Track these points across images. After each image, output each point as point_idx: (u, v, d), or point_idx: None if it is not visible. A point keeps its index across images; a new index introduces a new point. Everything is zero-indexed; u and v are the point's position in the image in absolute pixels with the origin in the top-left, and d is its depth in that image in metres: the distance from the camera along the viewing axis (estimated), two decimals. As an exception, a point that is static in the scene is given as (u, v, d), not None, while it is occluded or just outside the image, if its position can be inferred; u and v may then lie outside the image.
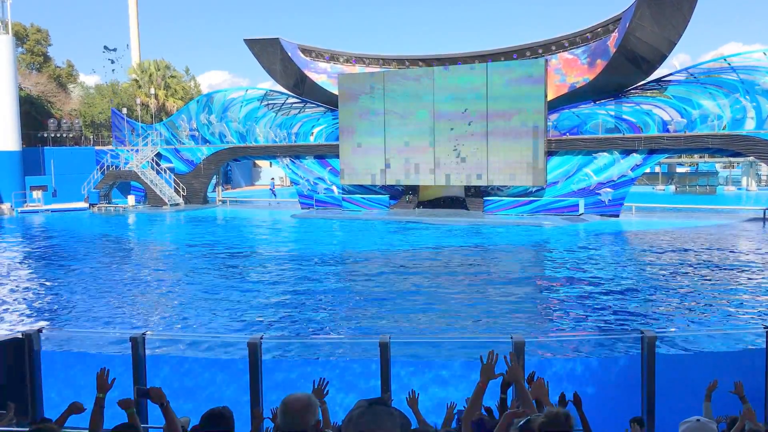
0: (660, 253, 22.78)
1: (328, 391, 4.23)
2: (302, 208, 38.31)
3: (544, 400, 3.82)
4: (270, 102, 40.11)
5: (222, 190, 48.55)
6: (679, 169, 56.44)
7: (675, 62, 45.79)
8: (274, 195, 48.21)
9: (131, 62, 66.99)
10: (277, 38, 36.76)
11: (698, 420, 3.14)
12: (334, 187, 38.22)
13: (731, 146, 29.48)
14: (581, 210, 31.64)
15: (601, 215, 31.65)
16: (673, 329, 13.13)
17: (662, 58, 30.45)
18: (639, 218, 32.00)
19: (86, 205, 41.88)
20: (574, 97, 32.12)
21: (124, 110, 48.63)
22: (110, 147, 46.59)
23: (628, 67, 30.16)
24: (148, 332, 6.02)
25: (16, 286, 18.76)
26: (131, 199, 42.70)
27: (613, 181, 31.62)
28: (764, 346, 5.90)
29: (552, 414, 2.65)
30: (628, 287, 17.11)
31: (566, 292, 16.94)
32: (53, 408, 5.61)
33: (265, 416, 4.60)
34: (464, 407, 4.08)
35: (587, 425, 4.16)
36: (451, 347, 10.38)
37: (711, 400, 4.83)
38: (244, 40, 37.54)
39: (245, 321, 14.39)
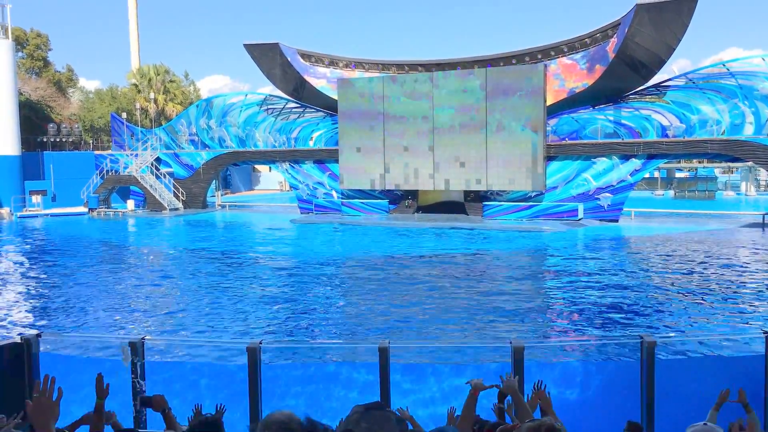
0: (659, 258, 22.78)
1: None
2: (301, 213, 38.30)
3: (547, 409, 3.80)
4: (269, 107, 40.15)
5: (221, 195, 48.54)
6: (678, 174, 56.47)
7: (674, 67, 45.87)
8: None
9: (131, 67, 67.06)
10: (277, 43, 36.81)
11: (705, 424, 3.12)
12: (334, 192, 38.22)
13: (730, 151, 29.50)
14: (580, 215, 31.65)
15: (600, 220, 31.66)
16: (672, 334, 13.13)
17: (661, 63, 30.52)
18: (638, 223, 32.01)
19: (85, 209, 41.85)
20: (573, 102, 32.17)
21: (124, 115, 48.64)
22: (110, 151, 46.58)
23: (627, 73, 30.22)
24: (147, 337, 6.01)
25: (15, 291, 18.74)
26: (130, 204, 42.67)
27: (612, 186, 31.64)
28: (764, 351, 5.90)
29: (535, 425, 2.64)
30: (628, 292, 17.11)
31: (566, 297, 16.93)
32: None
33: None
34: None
35: None
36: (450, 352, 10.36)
37: (718, 410, 4.76)
38: (244, 44, 37.60)
39: (244, 326, 14.37)
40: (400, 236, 29.45)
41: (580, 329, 13.87)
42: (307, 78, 37.22)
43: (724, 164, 50.53)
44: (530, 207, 32.75)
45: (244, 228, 35.06)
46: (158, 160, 43.47)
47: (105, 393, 3.71)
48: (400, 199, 36.33)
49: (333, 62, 37.45)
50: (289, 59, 36.88)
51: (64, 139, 48.27)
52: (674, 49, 29.78)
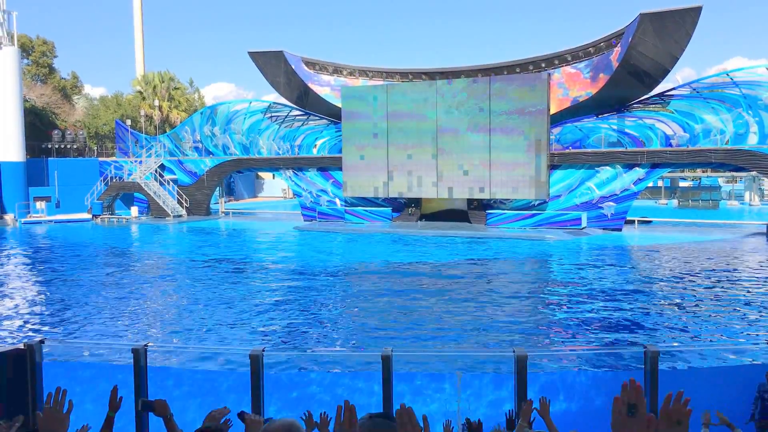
0: (662, 267, 22.72)
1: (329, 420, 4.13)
2: (305, 220, 38.34)
3: (546, 420, 3.85)
4: (273, 114, 40.26)
5: (225, 202, 48.61)
6: (682, 184, 56.38)
7: (678, 77, 46.00)
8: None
9: (136, 74, 67.37)
10: (281, 51, 36.96)
11: None
12: (337, 200, 38.27)
13: (734, 161, 29.46)
14: (584, 223, 31.61)
15: (603, 229, 31.61)
16: (676, 344, 13.09)
17: (665, 72, 30.53)
18: (641, 232, 31.95)
19: (89, 216, 41.96)
20: (577, 110, 32.19)
21: (128, 122, 48.82)
22: (114, 158, 46.76)
23: (630, 82, 30.25)
24: (150, 344, 6.01)
25: (19, 297, 18.76)
26: (134, 211, 42.78)
27: (616, 194, 31.61)
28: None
29: None
30: (631, 301, 17.06)
31: (570, 306, 16.89)
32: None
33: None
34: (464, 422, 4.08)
35: None
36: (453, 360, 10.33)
37: (708, 427, 4.78)
38: (248, 52, 37.75)
39: (247, 333, 14.36)
40: (403, 244, 29.43)
41: (584, 338, 13.82)
42: (311, 86, 37.34)
43: (727, 174, 50.46)
44: (534, 215, 32.72)
45: (248, 235, 35.08)
46: (162, 167, 43.59)
47: (117, 406, 3.64)
48: (403, 207, 36.34)
49: (337, 70, 37.57)
50: (293, 67, 37.01)
51: (68, 146, 48.44)
52: (678, 59, 29.81)
